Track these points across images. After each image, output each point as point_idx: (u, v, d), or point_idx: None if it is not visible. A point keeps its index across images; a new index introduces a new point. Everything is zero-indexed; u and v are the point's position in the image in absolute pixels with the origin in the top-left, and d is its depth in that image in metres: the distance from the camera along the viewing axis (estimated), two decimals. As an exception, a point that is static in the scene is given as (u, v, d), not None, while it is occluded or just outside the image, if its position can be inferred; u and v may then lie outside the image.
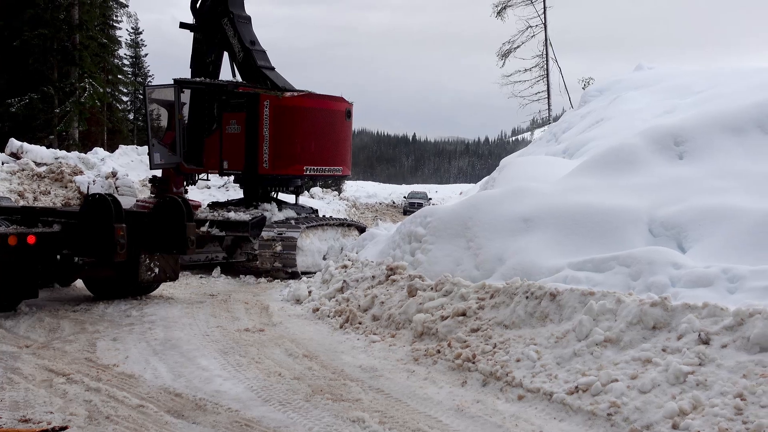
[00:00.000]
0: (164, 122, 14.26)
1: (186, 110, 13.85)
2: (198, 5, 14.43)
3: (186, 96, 13.88)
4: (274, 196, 14.41)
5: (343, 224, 14.41)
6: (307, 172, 13.06)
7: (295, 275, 12.83)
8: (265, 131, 12.01)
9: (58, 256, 9.17)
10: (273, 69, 13.74)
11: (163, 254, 9.88)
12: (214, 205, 14.56)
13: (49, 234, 8.98)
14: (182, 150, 13.45)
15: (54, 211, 10.02)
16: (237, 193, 23.60)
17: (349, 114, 13.56)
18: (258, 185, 13.61)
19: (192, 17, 14.60)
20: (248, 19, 14.03)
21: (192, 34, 14.68)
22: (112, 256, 8.76)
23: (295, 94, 12.78)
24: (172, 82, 13.81)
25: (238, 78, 14.04)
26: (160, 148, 13.75)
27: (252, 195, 13.75)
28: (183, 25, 14.46)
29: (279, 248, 12.64)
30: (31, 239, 8.56)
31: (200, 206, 15.14)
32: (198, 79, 13.76)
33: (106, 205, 8.85)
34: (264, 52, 13.84)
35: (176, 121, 13.33)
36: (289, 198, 15.20)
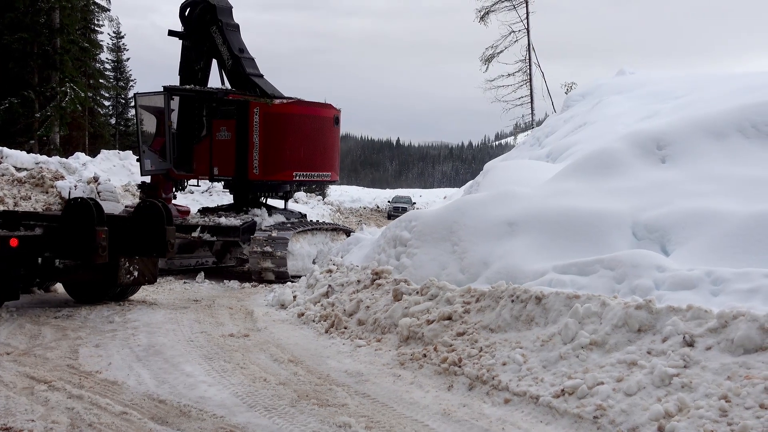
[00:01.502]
0: (154, 129, 14.24)
1: (174, 117, 13.83)
2: (186, 13, 14.46)
3: (174, 103, 13.88)
4: (264, 201, 14.46)
5: (335, 229, 14.58)
6: (297, 178, 13.22)
7: (285, 279, 12.88)
8: (255, 138, 12.18)
9: (40, 260, 9.19)
10: (261, 76, 13.82)
11: (143, 257, 9.89)
12: (205, 211, 14.58)
13: (31, 237, 9.05)
14: (172, 156, 13.51)
15: (36, 215, 10.03)
16: (221, 197, 23.51)
17: (337, 120, 13.72)
18: (248, 191, 13.73)
19: (180, 25, 14.61)
20: (237, 27, 14.13)
21: (180, 41, 14.66)
22: (93, 259, 8.90)
23: (285, 101, 12.90)
24: (159, 88, 13.79)
25: (227, 85, 14.06)
26: (150, 155, 13.82)
27: (242, 200, 13.88)
28: (171, 33, 14.49)
29: (270, 252, 12.70)
30: (13, 242, 8.66)
31: (189, 212, 15.12)
32: (188, 86, 13.81)
33: (88, 209, 8.99)
34: (253, 59, 13.93)
35: (166, 127, 13.37)
36: (278, 203, 15.25)
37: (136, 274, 9.93)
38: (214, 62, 14.30)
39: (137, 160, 15.07)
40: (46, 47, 32.64)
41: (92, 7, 41.50)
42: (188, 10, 14.44)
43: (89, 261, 9.01)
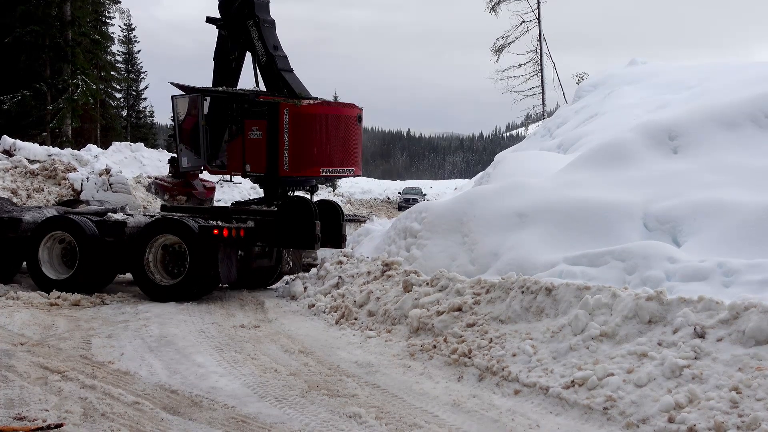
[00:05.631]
0: (189, 128, 14.77)
1: (206, 113, 14.29)
2: (225, 3, 14.80)
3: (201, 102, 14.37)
4: (292, 194, 14.95)
5: (360, 220, 14.92)
6: (323, 174, 13.80)
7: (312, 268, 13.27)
8: (285, 137, 12.80)
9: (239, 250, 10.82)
10: (291, 71, 14.25)
11: (296, 249, 11.49)
12: (238, 204, 15.03)
13: (250, 228, 10.56)
14: (206, 153, 14.15)
15: (246, 210, 11.49)
16: (231, 189, 23.68)
17: (360, 119, 14.27)
18: (278, 186, 14.40)
19: (219, 14, 14.94)
20: (273, 23, 14.52)
21: (216, 30, 14.97)
22: (313, 246, 10.68)
23: (312, 101, 13.46)
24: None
25: (260, 79, 14.44)
26: (187, 153, 14.43)
27: (272, 194, 14.56)
28: (209, 20, 14.90)
29: None
30: (242, 232, 10.33)
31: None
32: (221, 88, 14.37)
33: (308, 205, 10.70)
34: (285, 57, 14.39)
35: (200, 126, 14.00)
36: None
37: (291, 264, 11.49)
38: (248, 54, 14.63)
39: (172, 158, 15.69)
40: (57, 40, 32.73)
41: (103, -1, 41.56)
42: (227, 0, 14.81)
43: (310, 247, 10.77)
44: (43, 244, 10.60)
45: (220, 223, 10.48)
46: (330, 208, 11.24)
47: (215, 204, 19.28)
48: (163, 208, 12.12)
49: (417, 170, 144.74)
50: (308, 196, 10.89)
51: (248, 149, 13.39)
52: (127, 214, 11.51)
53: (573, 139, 16.49)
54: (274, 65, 13.96)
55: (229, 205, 15.49)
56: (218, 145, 14.35)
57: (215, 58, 14.83)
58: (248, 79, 14.67)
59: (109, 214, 11.38)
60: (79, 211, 11.82)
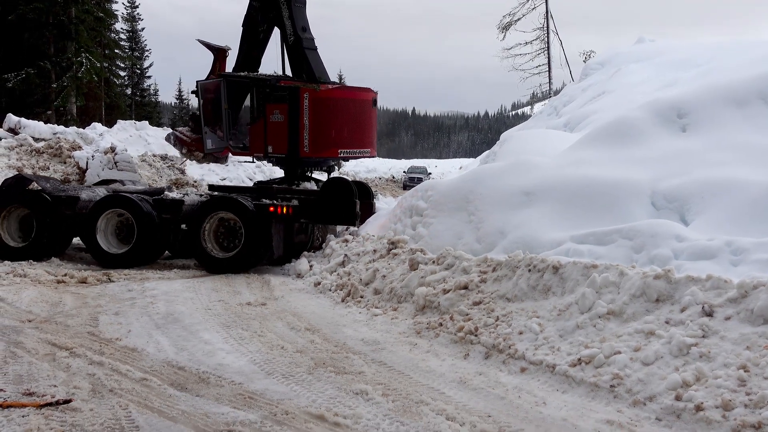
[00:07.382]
0: (211, 111, 15.13)
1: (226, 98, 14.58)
2: None
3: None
4: (310, 174, 15.29)
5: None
6: (341, 155, 14.48)
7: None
8: (305, 120, 13.36)
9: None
10: (315, 50, 14.58)
11: (324, 225, 12.25)
12: (260, 184, 15.25)
13: (296, 206, 11.44)
14: (228, 136, 14.64)
15: (289, 190, 12.39)
16: (236, 168, 23.70)
17: (375, 102, 14.84)
18: (298, 166, 14.88)
19: None
20: (303, 3, 14.86)
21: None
22: (353, 222, 11.51)
23: (330, 86, 13.99)
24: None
25: (286, 57, 14.64)
26: (211, 135, 14.97)
27: (292, 174, 15.04)
28: None
29: None
30: (290, 210, 11.29)
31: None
32: (243, 73, 14.77)
33: (348, 185, 11.61)
34: (312, 39, 14.71)
35: (222, 110, 14.25)
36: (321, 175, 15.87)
37: (320, 239, 12.24)
38: (276, 30, 14.80)
39: (190, 115, 16.08)
40: (61, 17, 32.60)
41: (106, -24, 41.25)
42: None
43: (351, 224, 11.52)
44: (102, 217, 11.33)
45: (274, 201, 11.38)
46: (362, 188, 12.16)
47: (220, 180, 19.41)
48: (210, 187, 13.17)
49: (422, 149, 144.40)
50: (348, 178, 11.49)
51: (270, 132, 14.06)
52: (182, 194, 12.43)
53: (580, 117, 16.39)
54: (300, 47, 14.41)
55: (232, 184, 15.67)
56: (240, 125, 14.77)
57: (244, 25, 15.13)
58: (271, 58, 14.94)
59: (166, 192, 12.40)
60: (133, 189, 12.59)
